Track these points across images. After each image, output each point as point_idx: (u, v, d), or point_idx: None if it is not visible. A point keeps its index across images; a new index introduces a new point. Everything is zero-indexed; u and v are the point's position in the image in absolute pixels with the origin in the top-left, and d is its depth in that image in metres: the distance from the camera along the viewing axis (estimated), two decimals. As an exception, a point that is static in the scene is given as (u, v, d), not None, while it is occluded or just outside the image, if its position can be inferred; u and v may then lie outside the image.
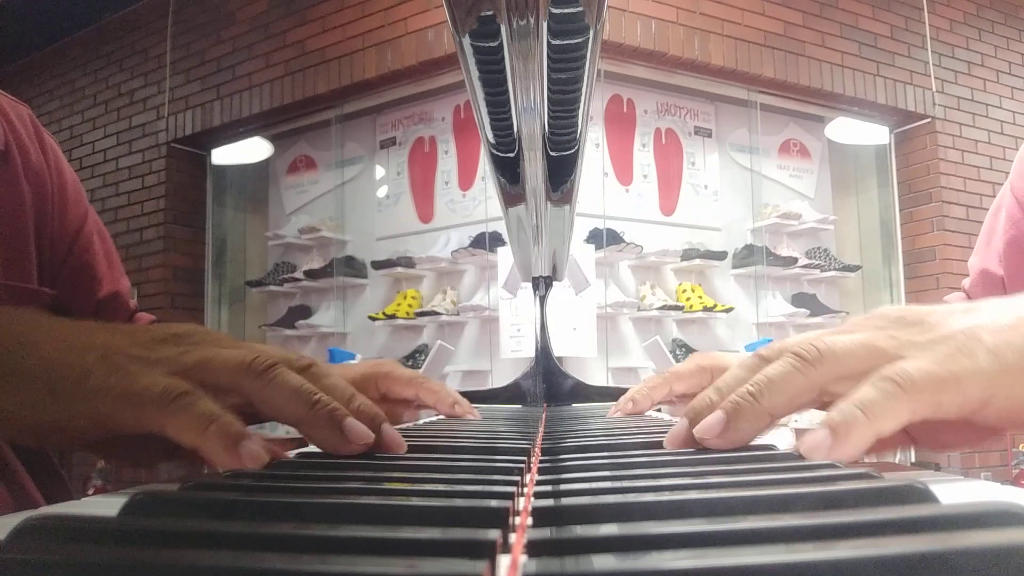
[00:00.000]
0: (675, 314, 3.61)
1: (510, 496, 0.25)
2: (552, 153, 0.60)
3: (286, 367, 0.40)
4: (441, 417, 0.80)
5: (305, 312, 4.12)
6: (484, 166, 3.50)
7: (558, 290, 1.20)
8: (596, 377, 3.28)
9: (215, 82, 4.26)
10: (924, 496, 0.23)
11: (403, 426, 0.74)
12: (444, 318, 3.60)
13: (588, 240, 3.39)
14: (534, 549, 0.19)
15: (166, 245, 4.31)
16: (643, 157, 3.74)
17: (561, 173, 0.65)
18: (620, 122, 3.70)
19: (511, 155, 0.61)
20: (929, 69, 4.13)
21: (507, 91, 0.48)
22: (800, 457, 0.35)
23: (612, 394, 1.07)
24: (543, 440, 0.48)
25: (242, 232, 4.71)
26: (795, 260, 3.87)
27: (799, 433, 2.12)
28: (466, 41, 0.42)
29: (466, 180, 3.73)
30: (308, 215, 4.24)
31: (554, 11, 0.38)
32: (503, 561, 0.19)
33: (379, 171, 4.09)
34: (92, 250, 0.74)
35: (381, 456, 0.39)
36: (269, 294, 4.39)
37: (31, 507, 0.34)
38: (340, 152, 4.13)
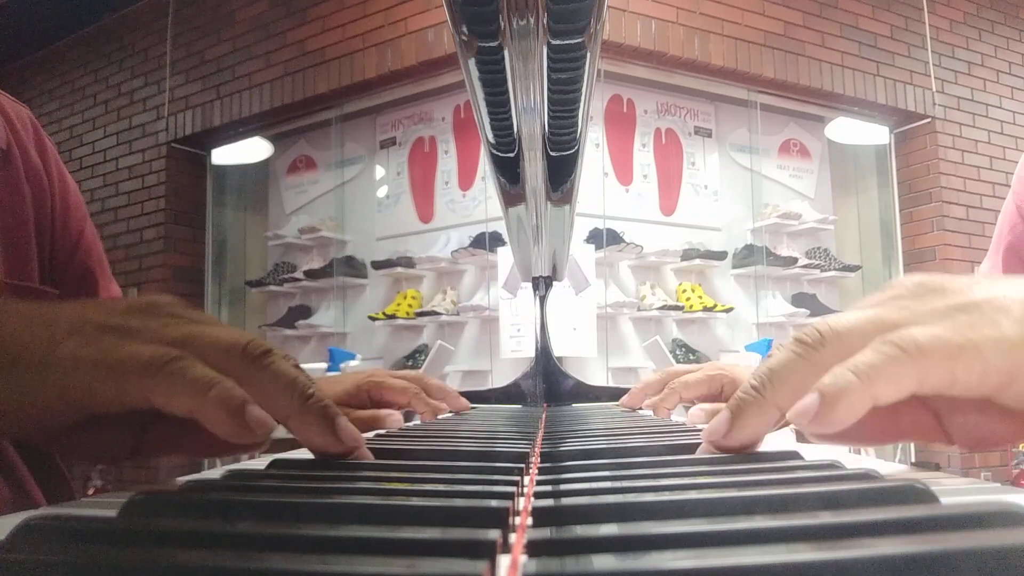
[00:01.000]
0: (675, 314, 3.61)
1: (510, 496, 0.25)
2: (552, 153, 0.60)
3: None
4: (439, 417, 0.81)
5: (305, 312, 4.12)
6: (484, 166, 3.50)
7: (558, 290, 1.20)
8: (596, 377, 3.28)
9: (215, 82, 4.26)
10: (924, 496, 0.23)
11: (403, 426, 0.75)
12: (444, 318, 3.60)
13: (588, 240, 3.39)
14: (534, 549, 0.19)
15: (166, 245, 4.31)
16: (643, 157, 3.74)
17: (561, 173, 0.65)
18: (620, 122, 3.70)
19: (511, 155, 0.61)
20: (929, 69, 4.13)
21: (507, 91, 0.48)
22: (799, 456, 0.35)
23: (612, 394, 1.07)
24: (543, 440, 0.48)
25: (242, 232, 4.71)
26: (795, 260, 3.87)
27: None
28: (466, 41, 0.42)
29: (466, 180, 3.73)
30: (308, 215, 4.24)
31: (554, 11, 0.38)
32: (503, 561, 0.19)
33: (379, 171, 4.09)
34: (93, 255, 0.75)
35: (381, 456, 0.39)
36: (269, 294, 4.39)
37: (32, 506, 0.34)
38: (340, 152, 4.13)
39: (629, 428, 0.58)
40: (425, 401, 0.81)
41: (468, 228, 3.63)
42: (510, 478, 0.29)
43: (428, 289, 3.83)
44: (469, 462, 0.36)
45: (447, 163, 3.80)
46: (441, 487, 0.29)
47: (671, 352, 3.33)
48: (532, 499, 0.25)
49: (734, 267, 3.85)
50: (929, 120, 4.10)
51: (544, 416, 0.80)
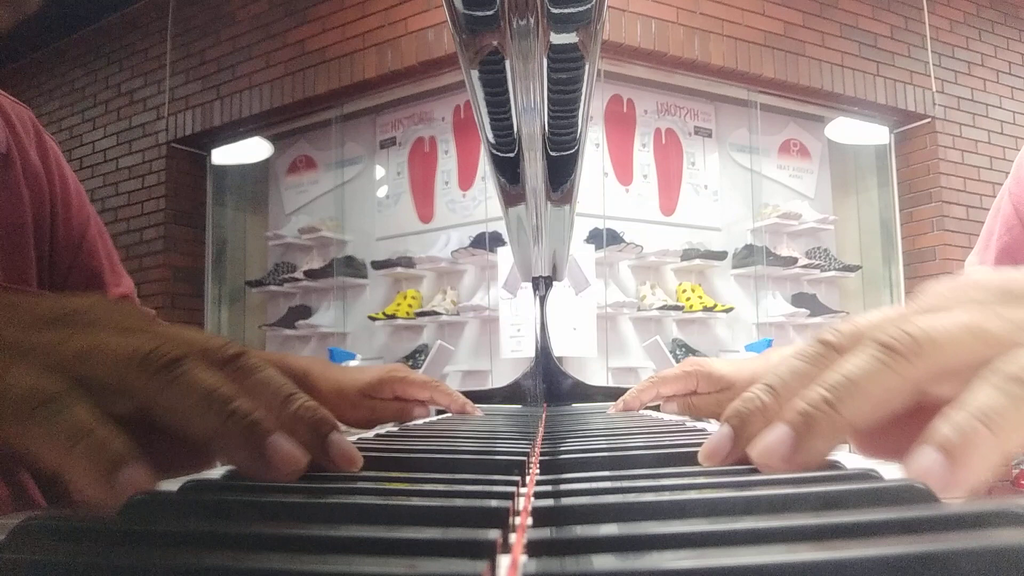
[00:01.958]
0: (675, 314, 3.61)
1: (510, 496, 0.25)
2: (552, 153, 0.60)
3: (199, 361, 0.29)
4: (439, 416, 0.82)
5: (305, 312, 4.12)
6: (484, 166, 3.50)
7: (558, 290, 1.20)
8: (596, 377, 3.28)
9: (215, 82, 4.26)
10: (924, 496, 0.23)
11: (405, 425, 0.75)
12: (444, 318, 3.60)
13: (588, 240, 3.39)
14: (534, 549, 0.19)
15: (166, 245, 4.31)
16: (643, 157, 3.74)
17: (561, 173, 0.65)
18: (620, 122, 3.70)
19: (511, 155, 0.61)
20: (929, 69, 4.13)
21: (507, 91, 0.48)
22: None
23: (612, 394, 1.07)
24: (543, 440, 0.48)
25: (242, 232, 4.71)
26: (795, 260, 3.87)
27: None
28: (466, 41, 0.42)
29: (466, 180, 3.73)
30: (308, 215, 4.24)
31: (554, 11, 0.38)
32: (503, 561, 0.19)
33: (379, 171, 4.09)
34: (97, 255, 0.74)
35: (380, 456, 0.38)
36: (269, 294, 4.39)
37: (31, 507, 0.34)
38: (340, 152, 4.13)
39: (630, 428, 0.58)
40: (447, 394, 0.83)
41: (468, 228, 3.63)
42: (510, 478, 0.29)
43: (428, 289, 3.83)
44: (469, 462, 0.36)
45: (447, 163, 3.80)
46: (441, 487, 0.29)
47: (671, 352, 3.33)
48: (532, 499, 0.25)
49: (734, 267, 3.85)
50: (929, 120, 4.10)
51: (544, 416, 0.80)
